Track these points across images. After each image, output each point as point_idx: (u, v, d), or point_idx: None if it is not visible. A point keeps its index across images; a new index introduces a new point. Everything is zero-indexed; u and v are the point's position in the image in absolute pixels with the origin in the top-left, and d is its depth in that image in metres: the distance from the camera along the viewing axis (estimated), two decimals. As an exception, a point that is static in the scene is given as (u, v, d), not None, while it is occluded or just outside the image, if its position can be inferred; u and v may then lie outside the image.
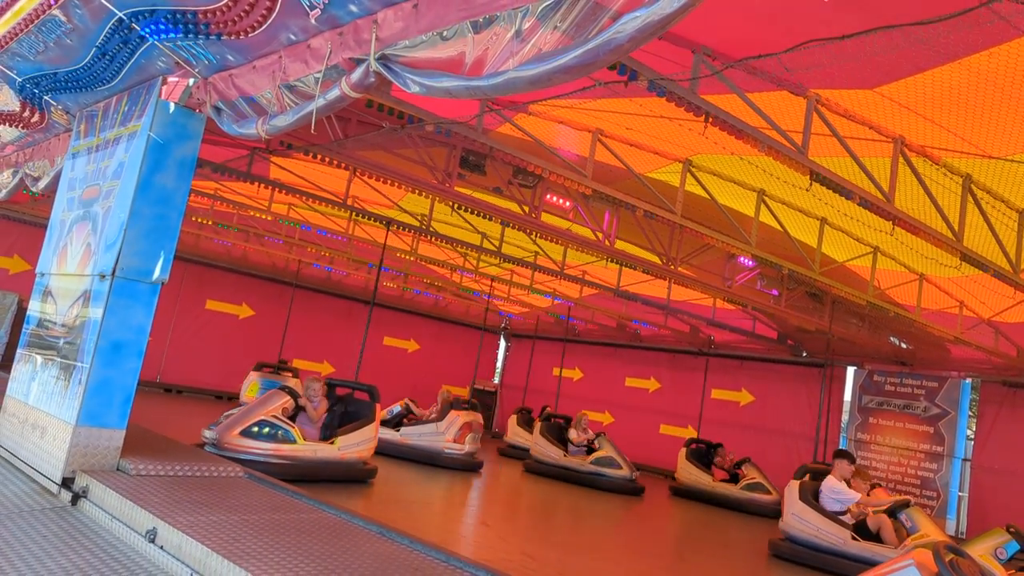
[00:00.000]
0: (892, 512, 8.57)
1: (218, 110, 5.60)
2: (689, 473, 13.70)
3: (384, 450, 11.19)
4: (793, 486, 9.09)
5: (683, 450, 14.06)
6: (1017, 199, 7.60)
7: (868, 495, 9.06)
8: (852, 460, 9.15)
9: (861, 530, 8.52)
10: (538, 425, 13.74)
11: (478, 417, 12.43)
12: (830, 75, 5.54)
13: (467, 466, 11.87)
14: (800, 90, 6.00)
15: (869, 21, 4.37)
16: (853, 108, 6.31)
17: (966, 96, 5.65)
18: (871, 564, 7.95)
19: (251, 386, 14.26)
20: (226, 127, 5.52)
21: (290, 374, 14.67)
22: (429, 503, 8.96)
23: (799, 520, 8.77)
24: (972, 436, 14.46)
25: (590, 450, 13.25)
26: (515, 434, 15.89)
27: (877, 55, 4.87)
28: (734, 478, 13.54)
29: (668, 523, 11.16)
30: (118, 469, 5.23)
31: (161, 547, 3.95)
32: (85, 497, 4.84)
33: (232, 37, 4.97)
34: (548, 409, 16.25)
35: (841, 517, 8.63)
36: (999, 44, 4.76)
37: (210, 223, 13.87)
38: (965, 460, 13.93)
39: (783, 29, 4.98)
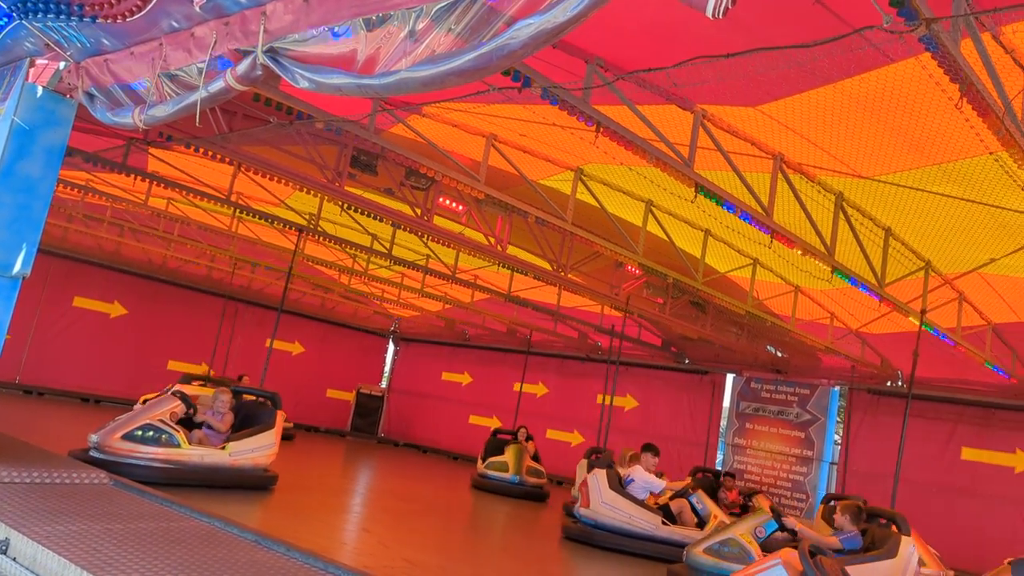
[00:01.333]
0: (685, 496, 9.43)
1: (91, 96, 5.30)
2: None
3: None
4: (600, 475, 9.33)
5: (689, 481, 11.39)
6: (884, 217, 8.06)
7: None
8: (656, 452, 9.93)
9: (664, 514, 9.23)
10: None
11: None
12: (716, 92, 5.73)
13: None
14: (687, 105, 6.18)
15: (752, 42, 4.53)
16: (737, 124, 6.55)
17: (840, 118, 5.96)
18: (679, 545, 8.37)
19: None
20: (99, 115, 5.23)
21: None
22: (329, 510, 8.73)
23: (611, 508, 9.07)
24: (839, 441, 15.27)
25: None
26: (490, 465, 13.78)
27: (759, 75, 5.06)
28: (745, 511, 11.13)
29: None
30: (-32, 477, 4.85)
31: (14, 559, 3.68)
32: (-72, 508, 4.46)
33: (108, 20, 4.71)
34: (525, 431, 14.24)
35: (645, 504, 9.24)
36: (870, 70, 5.03)
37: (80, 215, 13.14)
38: (832, 464, 14.69)
39: (673, 45, 5.11)
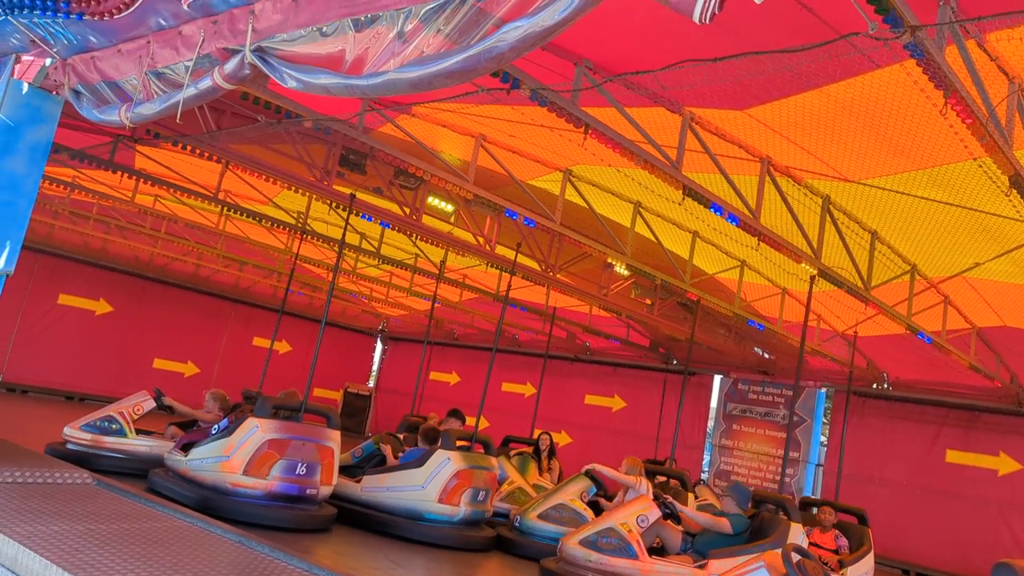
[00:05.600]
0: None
1: (77, 93, 5.27)
2: None
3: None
4: None
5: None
6: (869, 220, 8.11)
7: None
8: (463, 419, 9.72)
9: None
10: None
11: None
12: (704, 94, 5.75)
13: None
14: (676, 107, 6.20)
15: (740, 46, 4.55)
16: (724, 127, 6.57)
17: (827, 122, 5.99)
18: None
19: None
20: (86, 112, 5.20)
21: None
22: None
23: None
24: (825, 443, 15.32)
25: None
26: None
27: (746, 78, 5.09)
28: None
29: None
30: (-50, 476, 4.82)
31: (-5, 561, 3.66)
32: (-91, 507, 4.43)
33: (95, 18, 4.68)
34: (549, 439, 11.16)
35: None
36: (856, 75, 5.06)
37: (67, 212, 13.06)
38: (818, 465, 14.75)
39: (661, 48, 5.13)
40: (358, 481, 7.84)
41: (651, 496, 7.16)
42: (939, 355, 10.86)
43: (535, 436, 11.38)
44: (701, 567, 6.41)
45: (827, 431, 15.64)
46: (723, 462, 15.51)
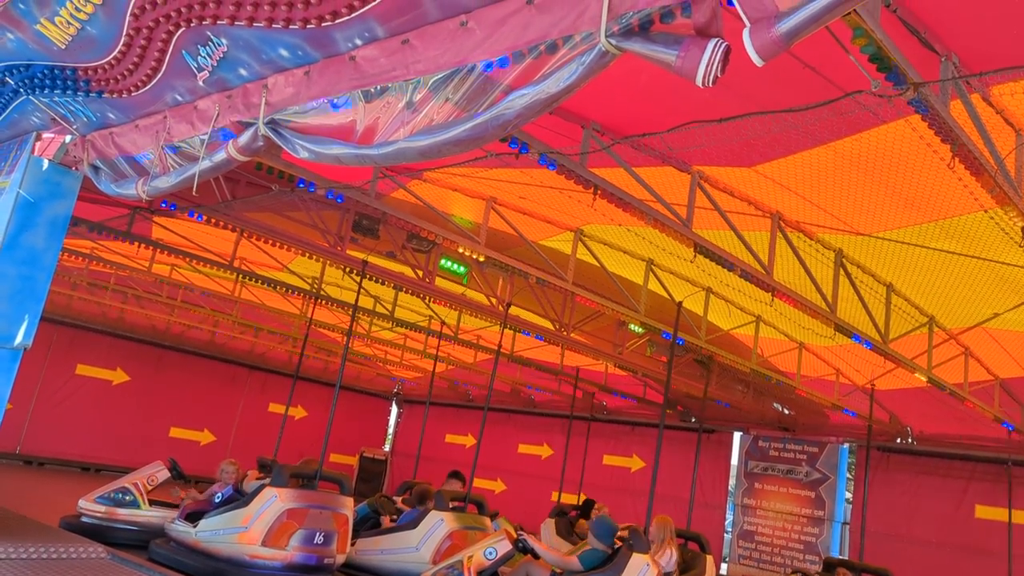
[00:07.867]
0: None
1: (96, 168, 5.37)
2: None
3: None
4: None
5: None
6: (884, 273, 8.07)
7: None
8: (464, 480, 9.67)
9: None
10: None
11: None
12: (712, 153, 5.80)
13: None
14: (684, 166, 6.24)
15: (746, 105, 4.60)
16: (734, 184, 6.60)
17: (835, 177, 6.01)
18: None
19: None
20: (104, 187, 5.29)
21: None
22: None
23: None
24: (850, 500, 14.98)
25: None
26: None
27: (753, 137, 5.13)
28: None
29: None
30: (-37, 553, 4.77)
31: (6, 641, 3.60)
32: (-78, 586, 4.39)
33: (114, 95, 4.80)
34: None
35: None
36: (863, 131, 5.09)
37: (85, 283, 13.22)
38: (844, 524, 14.39)
39: (668, 109, 5.19)
40: (352, 544, 7.79)
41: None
42: (963, 408, 10.68)
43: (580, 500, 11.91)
44: None
45: (852, 488, 15.30)
46: (746, 522, 15.17)
